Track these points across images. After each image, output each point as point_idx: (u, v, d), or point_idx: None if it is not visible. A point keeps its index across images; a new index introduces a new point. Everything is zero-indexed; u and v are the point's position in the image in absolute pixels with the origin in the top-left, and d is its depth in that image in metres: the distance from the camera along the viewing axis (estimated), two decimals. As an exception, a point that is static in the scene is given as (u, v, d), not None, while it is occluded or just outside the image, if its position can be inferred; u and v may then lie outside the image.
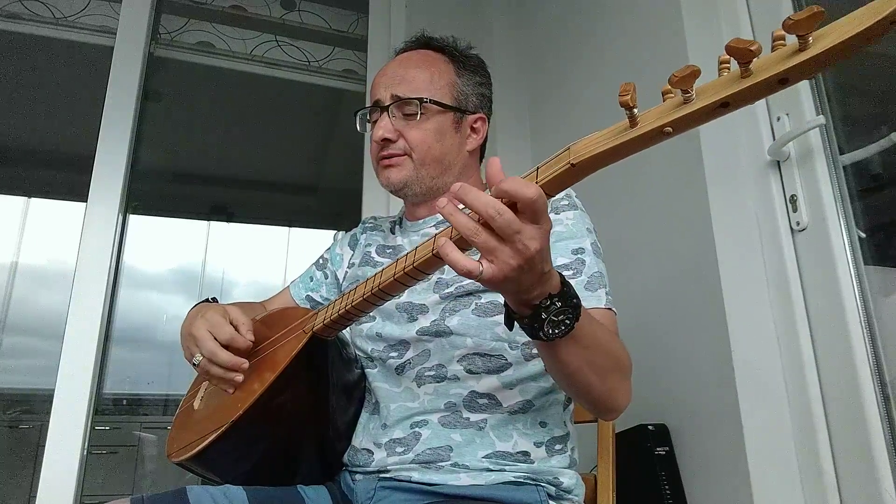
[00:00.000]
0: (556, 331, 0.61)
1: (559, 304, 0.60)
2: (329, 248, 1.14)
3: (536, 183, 0.55)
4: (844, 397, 0.99)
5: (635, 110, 0.50)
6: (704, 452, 1.18)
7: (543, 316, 0.60)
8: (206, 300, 0.98)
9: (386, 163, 0.94)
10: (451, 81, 0.97)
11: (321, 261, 1.13)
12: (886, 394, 0.96)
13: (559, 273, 0.62)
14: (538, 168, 0.57)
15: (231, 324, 0.85)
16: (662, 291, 1.34)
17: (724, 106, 0.46)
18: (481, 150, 1.03)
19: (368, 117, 1.00)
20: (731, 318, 1.13)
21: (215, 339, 0.83)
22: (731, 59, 0.44)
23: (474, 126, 0.99)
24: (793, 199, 1.11)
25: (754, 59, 0.43)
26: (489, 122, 1.02)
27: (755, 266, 1.13)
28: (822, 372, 1.04)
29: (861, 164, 1.07)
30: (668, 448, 1.23)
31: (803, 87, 1.11)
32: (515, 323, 0.64)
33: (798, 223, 1.09)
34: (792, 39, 0.42)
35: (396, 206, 2.01)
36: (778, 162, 1.14)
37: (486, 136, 1.01)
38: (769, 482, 1.05)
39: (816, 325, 1.06)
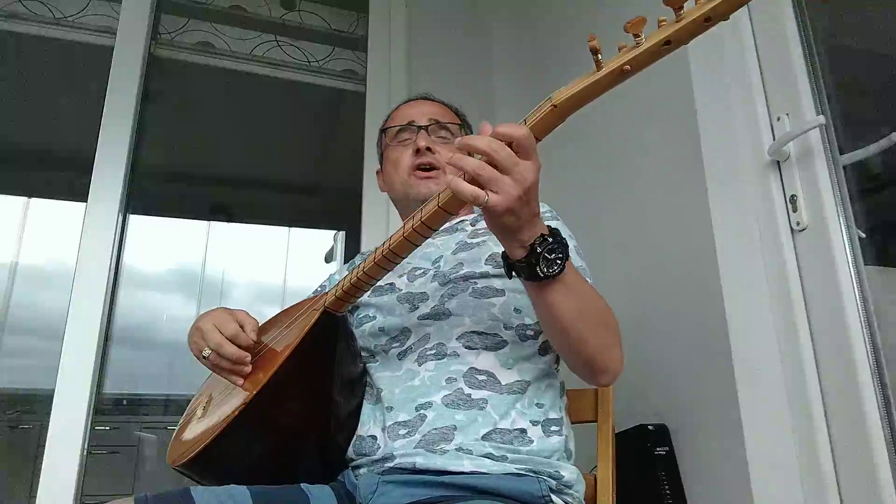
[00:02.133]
0: (552, 269, 0.70)
1: (551, 241, 0.70)
2: (328, 278, 1.20)
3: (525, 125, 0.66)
4: (844, 397, 0.99)
5: (599, 56, 0.61)
6: (704, 452, 1.18)
7: (539, 250, 0.69)
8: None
9: (425, 174, 1.04)
10: (462, 126, 1.15)
11: (320, 288, 1.18)
12: (886, 394, 0.96)
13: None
14: (525, 119, 0.66)
15: (239, 322, 0.90)
16: (662, 291, 1.34)
17: (668, 44, 0.59)
18: None
19: (395, 137, 1.10)
20: (731, 318, 1.13)
21: (221, 333, 0.88)
22: (668, 9, 0.57)
23: None
24: (793, 199, 1.11)
25: (685, 5, 0.56)
26: None
27: (755, 266, 1.13)
28: (822, 372, 1.04)
29: (861, 164, 1.07)
30: (668, 448, 1.23)
31: (803, 87, 1.11)
32: (514, 273, 0.73)
33: (798, 223, 1.09)
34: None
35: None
36: (778, 162, 1.14)
37: None
38: (769, 482, 1.05)
39: (816, 325, 1.06)
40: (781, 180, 1.14)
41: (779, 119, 1.14)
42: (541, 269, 0.70)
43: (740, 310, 1.13)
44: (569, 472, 0.85)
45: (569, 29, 1.86)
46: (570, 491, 0.84)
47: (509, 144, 0.64)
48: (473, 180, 0.65)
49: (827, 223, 1.04)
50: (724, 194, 1.19)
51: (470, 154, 0.66)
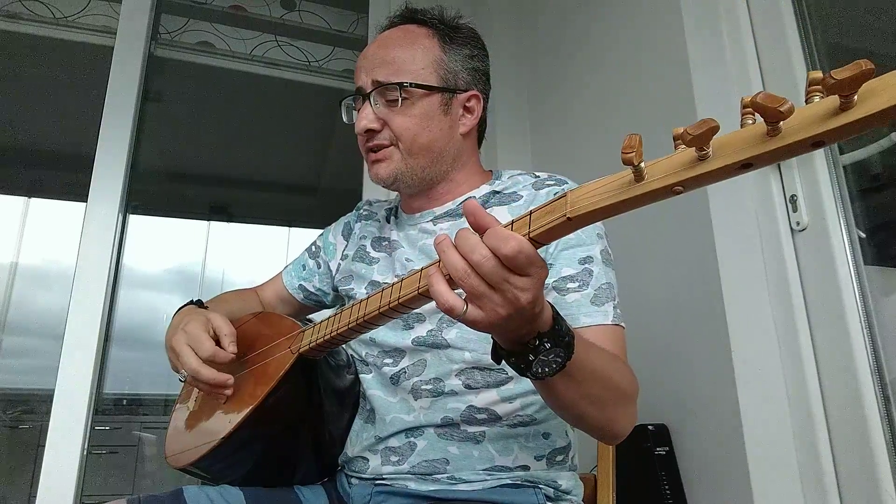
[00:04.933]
0: (547, 369, 0.57)
1: (548, 345, 0.56)
2: (322, 235, 1.09)
3: (529, 232, 0.50)
4: (844, 397, 0.99)
5: (641, 164, 0.44)
6: (704, 452, 1.17)
7: (531, 357, 0.56)
8: (191, 302, 0.94)
9: (373, 157, 0.87)
10: (436, 58, 0.87)
11: (314, 248, 1.08)
12: (886, 394, 0.96)
13: (552, 307, 0.57)
14: (531, 213, 0.52)
15: (215, 332, 0.81)
16: (663, 292, 1.34)
17: (746, 167, 0.40)
18: (480, 131, 0.95)
19: (354, 105, 0.92)
20: (731, 318, 1.13)
21: (197, 354, 0.78)
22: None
23: (467, 105, 0.90)
24: (793, 199, 1.11)
25: (782, 122, 0.37)
26: (487, 99, 0.93)
27: (755, 266, 1.13)
28: (822, 372, 1.04)
29: (861, 164, 1.07)
30: (668, 448, 1.23)
31: (804, 87, 1.11)
32: (503, 358, 0.60)
33: (798, 223, 1.09)
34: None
35: (396, 206, 2.00)
36: (778, 162, 1.14)
37: (484, 115, 0.93)
38: (769, 482, 1.05)
39: (816, 325, 1.06)
40: (781, 180, 1.14)
41: (779, 119, 1.14)
42: (533, 373, 0.57)
43: (740, 310, 1.13)
44: (566, 479, 0.82)
45: (570, 31, 1.86)
46: (569, 497, 0.83)
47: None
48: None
49: (827, 223, 1.04)
50: (724, 194, 1.19)
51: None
